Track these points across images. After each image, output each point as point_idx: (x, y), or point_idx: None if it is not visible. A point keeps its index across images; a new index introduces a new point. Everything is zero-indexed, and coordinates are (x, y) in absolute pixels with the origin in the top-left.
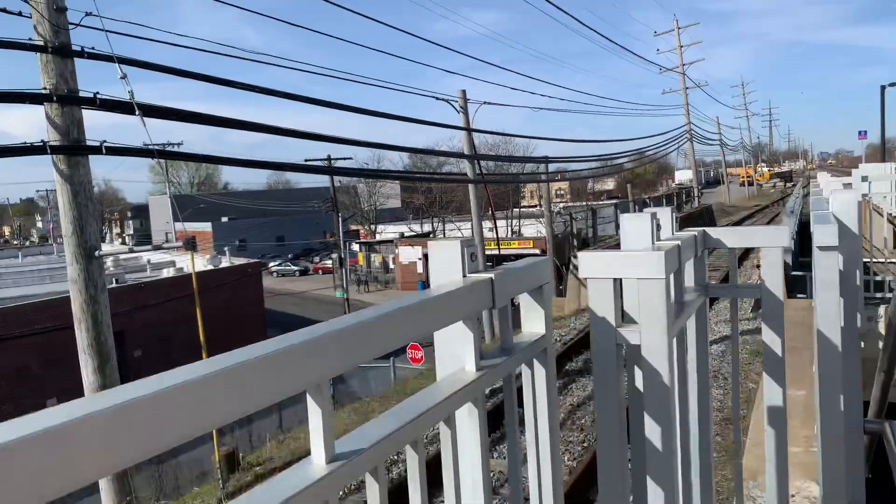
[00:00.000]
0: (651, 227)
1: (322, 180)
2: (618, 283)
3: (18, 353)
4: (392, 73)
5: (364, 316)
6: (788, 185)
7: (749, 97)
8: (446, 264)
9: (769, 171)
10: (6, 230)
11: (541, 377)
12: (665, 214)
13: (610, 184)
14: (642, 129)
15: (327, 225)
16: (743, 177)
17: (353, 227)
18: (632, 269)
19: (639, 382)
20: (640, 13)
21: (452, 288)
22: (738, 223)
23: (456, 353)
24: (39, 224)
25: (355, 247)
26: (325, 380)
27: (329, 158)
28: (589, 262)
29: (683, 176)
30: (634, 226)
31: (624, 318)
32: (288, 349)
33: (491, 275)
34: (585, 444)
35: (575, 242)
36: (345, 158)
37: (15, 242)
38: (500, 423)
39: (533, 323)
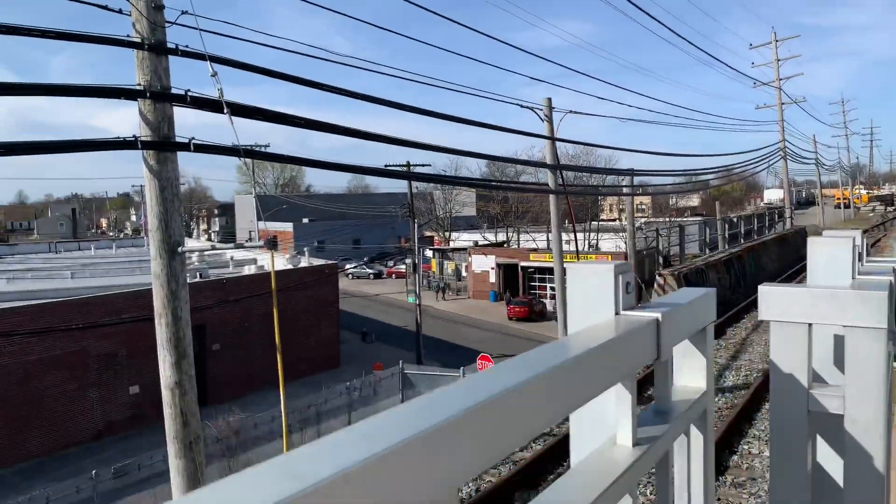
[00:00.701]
0: (851, 255)
1: (399, 186)
2: (810, 329)
3: (106, 341)
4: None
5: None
6: (889, 208)
7: (849, 115)
8: (593, 296)
9: (868, 193)
10: (103, 222)
11: (698, 447)
12: (845, 243)
13: (694, 200)
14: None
15: (403, 230)
16: (839, 198)
17: (428, 234)
18: (836, 312)
19: (833, 464)
20: (734, 24)
21: (606, 335)
22: None
23: (602, 418)
24: (133, 217)
25: (429, 253)
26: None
27: (408, 164)
28: (773, 300)
29: (773, 195)
30: (827, 252)
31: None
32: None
33: (657, 314)
34: None
35: (660, 260)
36: (424, 165)
37: (110, 234)
38: None
39: (691, 375)
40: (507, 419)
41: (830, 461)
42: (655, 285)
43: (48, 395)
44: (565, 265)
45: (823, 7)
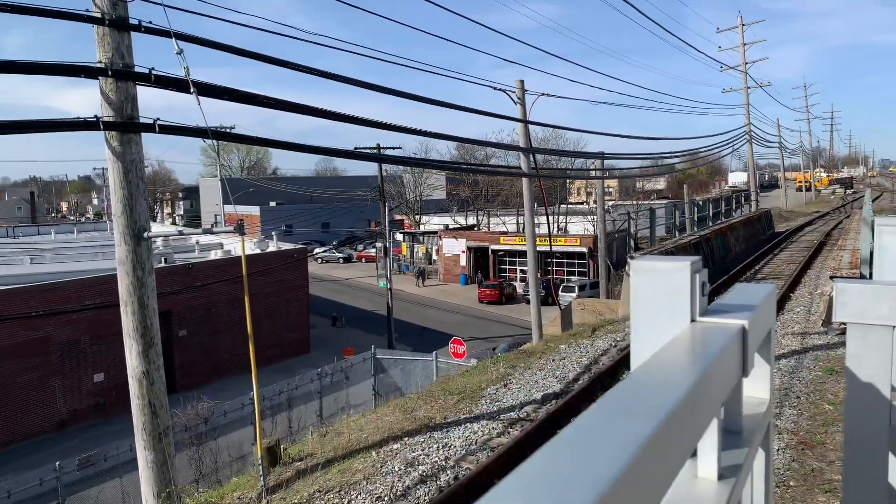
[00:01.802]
0: None
1: (368, 169)
2: (894, 332)
3: (69, 328)
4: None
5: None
6: (849, 191)
7: (811, 99)
8: (664, 299)
9: (828, 176)
10: (64, 206)
11: (760, 466)
12: None
13: (661, 183)
14: (697, 128)
15: (372, 213)
16: (800, 181)
17: (398, 217)
18: None
19: None
20: (703, 8)
21: (701, 355)
22: (799, 229)
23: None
24: (95, 201)
25: (399, 236)
26: None
27: (378, 147)
28: (852, 299)
29: (737, 178)
30: None
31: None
32: None
33: (742, 322)
34: None
35: (632, 243)
36: (394, 148)
37: (71, 218)
38: None
39: (755, 386)
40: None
41: None
42: (627, 268)
43: (8, 384)
44: (631, 263)
45: None
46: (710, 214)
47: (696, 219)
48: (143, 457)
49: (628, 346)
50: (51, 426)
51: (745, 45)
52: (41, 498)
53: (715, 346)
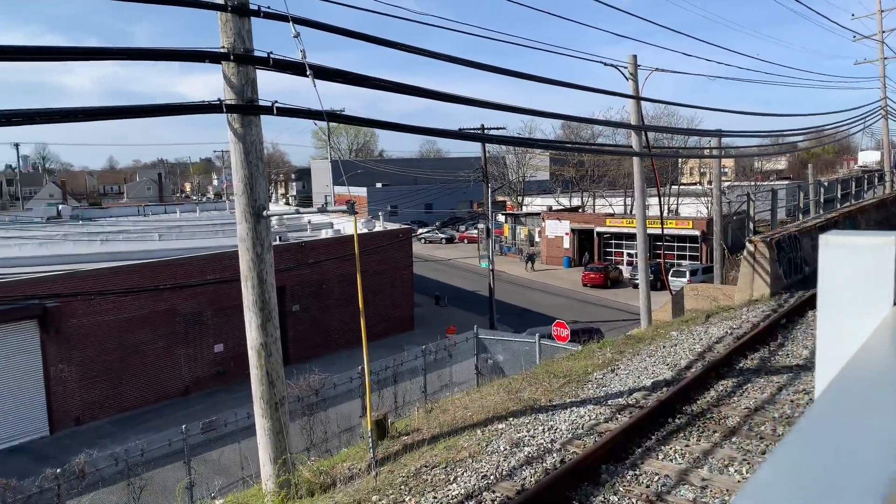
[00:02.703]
0: None
1: (471, 150)
2: None
3: (193, 301)
4: (543, 40)
5: None
6: None
7: None
8: (863, 281)
9: None
10: (187, 186)
11: None
12: None
13: (781, 163)
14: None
15: (474, 195)
16: None
17: (500, 199)
18: None
19: None
20: None
21: None
22: None
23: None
24: (215, 182)
25: (501, 218)
26: None
27: (482, 127)
28: None
29: (868, 157)
30: None
31: None
32: None
33: None
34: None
35: (751, 226)
36: (497, 128)
37: (194, 198)
38: None
39: None
40: None
41: None
42: (745, 253)
43: (141, 350)
44: (821, 238)
45: None
46: (839, 196)
47: (822, 200)
48: (261, 424)
49: (745, 333)
50: (177, 391)
51: (882, 11)
52: (169, 457)
53: None
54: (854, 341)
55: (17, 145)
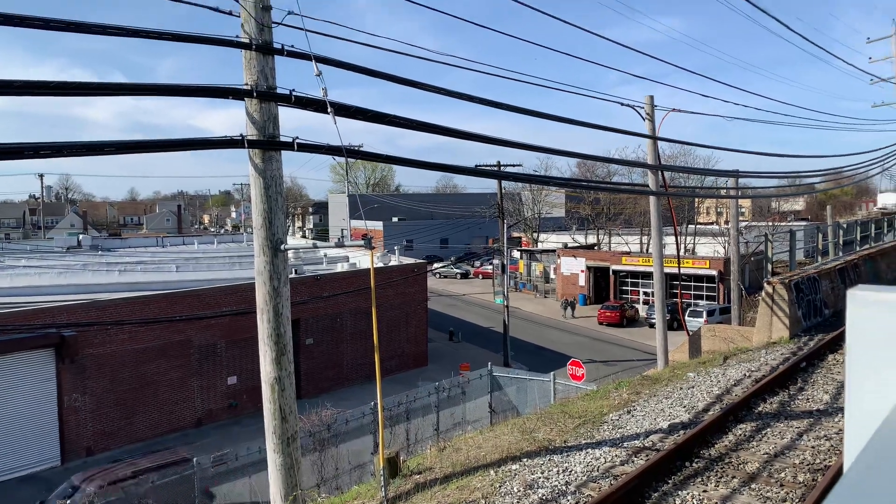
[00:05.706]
0: None
1: (487, 187)
2: None
3: (207, 332)
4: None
5: None
6: None
7: None
8: (893, 338)
9: None
10: (206, 218)
11: None
12: None
13: (799, 204)
14: (840, 145)
15: (490, 230)
16: None
17: (515, 235)
18: None
19: None
20: (849, 18)
21: None
22: None
23: None
24: (233, 214)
25: (516, 254)
26: None
27: (498, 164)
28: None
29: (888, 199)
30: None
31: None
32: None
33: None
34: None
35: (769, 267)
36: (514, 165)
37: (212, 230)
38: None
39: None
40: None
41: None
42: (763, 294)
43: (156, 381)
44: (849, 293)
45: None
46: (858, 238)
47: (841, 242)
48: (273, 460)
49: (763, 377)
50: (190, 422)
51: None
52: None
53: None
54: (886, 402)
55: (41, 175)
